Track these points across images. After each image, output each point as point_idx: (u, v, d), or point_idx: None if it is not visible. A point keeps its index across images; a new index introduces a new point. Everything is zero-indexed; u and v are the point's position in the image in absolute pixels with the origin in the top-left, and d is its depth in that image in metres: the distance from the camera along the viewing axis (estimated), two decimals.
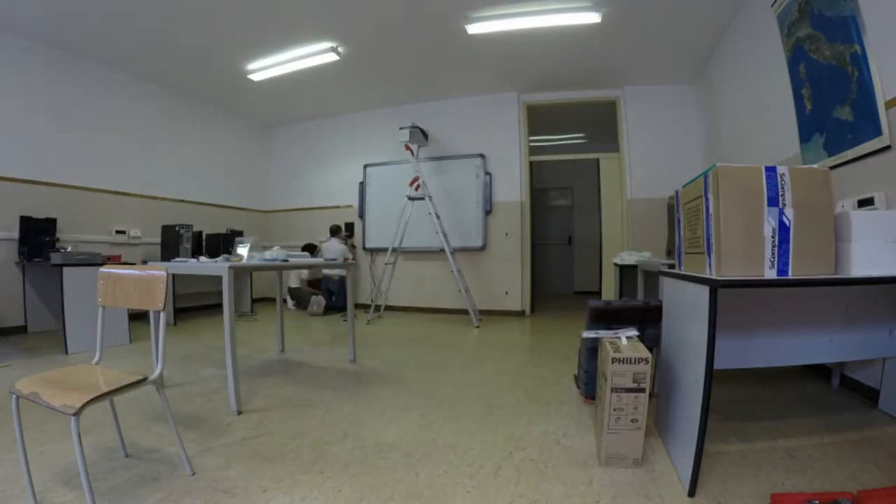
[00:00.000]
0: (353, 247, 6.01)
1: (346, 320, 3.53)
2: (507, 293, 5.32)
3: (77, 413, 1.10)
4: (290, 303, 5.68)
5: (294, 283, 5.72)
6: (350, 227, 6.12)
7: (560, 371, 2.76)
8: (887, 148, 1.95)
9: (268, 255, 2.60)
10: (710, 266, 1.34)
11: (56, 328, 3.69)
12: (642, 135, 4.98)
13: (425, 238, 5.22)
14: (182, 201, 5.36)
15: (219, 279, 2.09)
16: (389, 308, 5.58)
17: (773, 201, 1.27)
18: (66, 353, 3.08)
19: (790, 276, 1.28)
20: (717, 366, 1.29)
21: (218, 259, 2.49)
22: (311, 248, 5.55)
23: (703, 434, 1.29)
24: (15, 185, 3.79)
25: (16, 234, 3.70)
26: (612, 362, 1.47)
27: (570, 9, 3.52)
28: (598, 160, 5.72)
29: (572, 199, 8.04)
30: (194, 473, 1.47)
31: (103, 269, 1.59)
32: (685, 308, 1.53)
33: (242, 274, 5.12)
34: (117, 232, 4.61)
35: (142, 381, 1.32)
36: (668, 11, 3.50)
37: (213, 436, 1.78)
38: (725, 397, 2.15)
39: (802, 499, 1.21)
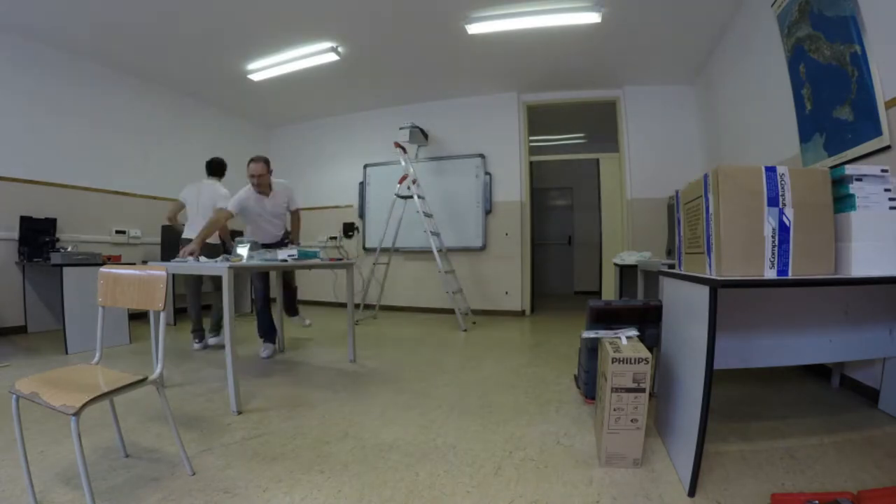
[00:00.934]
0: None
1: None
2: (507, 293, 5.32)
3: (77, 413, 1.10)
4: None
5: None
6: (350, 227, 6.12)
7: (560, 371, 2.76)
8: (887, 148, 1.95)
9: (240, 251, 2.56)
10: (710, 266, 1.34)
11: (56, 328, 3.69)
12: (642, 135, 4.98)
13: (424, 238, 5.20)
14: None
15: (218, 279, 2.09)
16: (391, 308, 5.59)
17: (774, 201, 1.27)
18: (66, 353, 3.08)
19: (790, 276, 1.28)
20: (717, 366, 1.29)
21: (218, 259, 2.50)
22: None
23: (703, 434, 1.29)
24: (15, 185, 3.79)
25: (16, 234, 3.70)
26: (612, 362, 1.46)
27: (570, 9, 3.51)
28: (598, 160, 5.73)
29: (572, 199, 8.04)
30: (194, 473, 1.46)
31: (103, 270, 1.59)
32: (685, 308, 1.53)
33: (242, 274, 5.11)
34: (117, 232, 4.61)
35: (142, 381, 1.32)
36: (668, 11, 3.50)
37: (213, 436, 1.78)
38: (725, 397, 2.15)
39: (802, 499, 1.21)
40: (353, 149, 6.14)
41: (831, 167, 1.35)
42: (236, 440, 1.75)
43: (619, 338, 1.66)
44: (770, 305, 1.79)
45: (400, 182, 4.95)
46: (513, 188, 5.34)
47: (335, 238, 6.19)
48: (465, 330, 4.33)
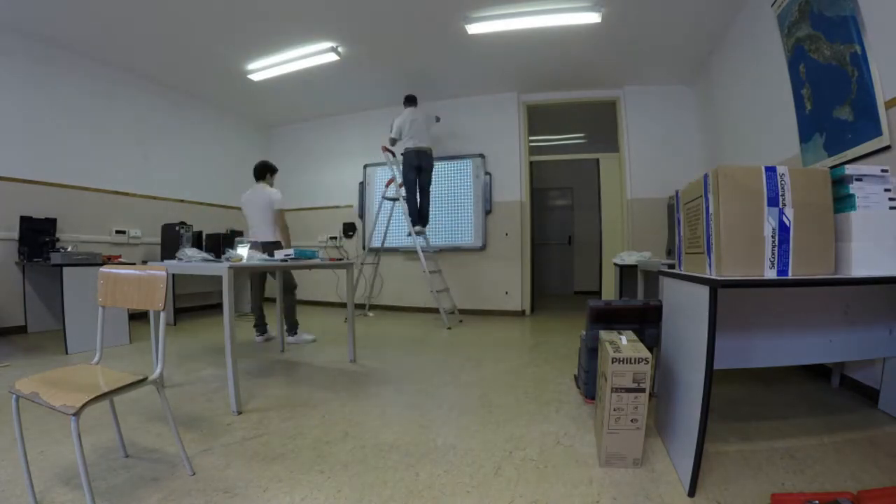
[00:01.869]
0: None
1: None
2: (507, 293, 5.32)
3: (77, 413, 1.10)
4: None
5: None
6: (350, 227, 6.12)
7: (560, 371, 2.76)
8: (887, 148, 1.95)
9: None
10: (710, 266, 1.34)
11: (56, 328, 3.69)
12: (642, 135, 4.98)
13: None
14: (182, 201, 5.36)
15: (219, 279, 2.09)
16: (390, 308, 5.58)
17: (773, 201, 1.27)
18: (67, 353, 3.08)
19: (790, 276, 1.28)
20: (717, 366, 1.29)
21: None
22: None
23: (703, 434, 1.29)
24: (15, 185, 3.79)
25: (16, 234, 3.70)
26: (612, 362, 1.46)
27: (570, 9, 3.51)
28: (598, 160, 5.72)
29: (572, 199, 8.04)
30: (194, 473, 1.46)
31: (103, 269, 1.59)
32: (685, 308, 1.53)
33: (242, 274, 5.11)
34: (117, 232, 4.61)
35: (142, 381, 1.32)
36: (668, 11, 3.50)
37: (213, 436, 1.78)
38: (725, 397, 2.15)
39: (802, 499, 1.21)
40: (353, 149, 6.13)
41: (831, 167, 1.35)
42: (236, 440, 1.75)
43: (620, 338, 1.66)
44: (770, 305, 1.79)
45: (387, 185, 5.04)
46: (513, 188, 5.34)
47: (335, 238, 6.19)
48: (450, 328, 4.38)
